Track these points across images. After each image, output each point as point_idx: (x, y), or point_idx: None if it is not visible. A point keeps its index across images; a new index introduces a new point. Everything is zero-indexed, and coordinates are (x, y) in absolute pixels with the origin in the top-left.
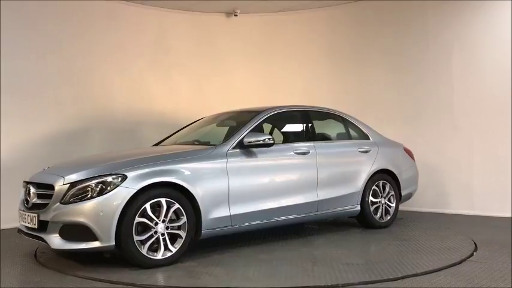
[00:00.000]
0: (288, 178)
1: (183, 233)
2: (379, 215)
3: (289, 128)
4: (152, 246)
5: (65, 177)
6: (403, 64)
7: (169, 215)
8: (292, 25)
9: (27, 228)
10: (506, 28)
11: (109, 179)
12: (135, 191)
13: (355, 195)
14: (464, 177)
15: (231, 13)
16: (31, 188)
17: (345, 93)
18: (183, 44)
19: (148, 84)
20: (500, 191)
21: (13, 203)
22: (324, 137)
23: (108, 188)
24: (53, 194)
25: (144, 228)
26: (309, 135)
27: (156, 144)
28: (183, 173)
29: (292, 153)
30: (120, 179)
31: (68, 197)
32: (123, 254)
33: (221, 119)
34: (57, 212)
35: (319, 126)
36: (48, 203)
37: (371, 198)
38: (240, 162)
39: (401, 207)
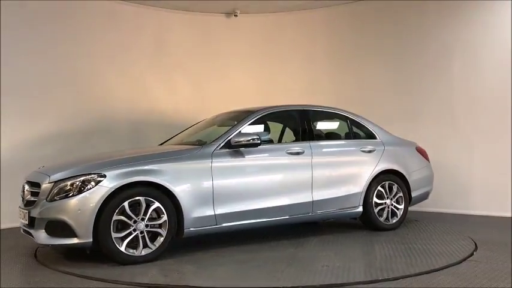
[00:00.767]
0: (278, 178)
1: (163, 232)
2: (384, 217)
3: (284, 128)
4: (132, 243)
5: (50, 176)
6: (403, 64)
7: (148, 213)
8: (292, 25)
9: (23, 224)
10: (506, 28)
11: (88, 178)
12: (112, 189)
13: (356, 196)
14: (464, 177)
15: (231, 13)
16: (26, 186)
17: (345, 93)
18: (183, 44)
19: (148, 84)
20: (500, 191)
21: (13, 203)
22: (323, 137)
23: (87, 187)
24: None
25: (124, 225)
26: (305, 135)
27: (162, 144)
28: (164, 173)
29: (284, 153)
30: (99, 178)
31: (52, 195)
32: (102, 251)
33: (226, 118)
34: (43, 208)
35: (319, 126)
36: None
37: (375, 199)
38: (227, 162)
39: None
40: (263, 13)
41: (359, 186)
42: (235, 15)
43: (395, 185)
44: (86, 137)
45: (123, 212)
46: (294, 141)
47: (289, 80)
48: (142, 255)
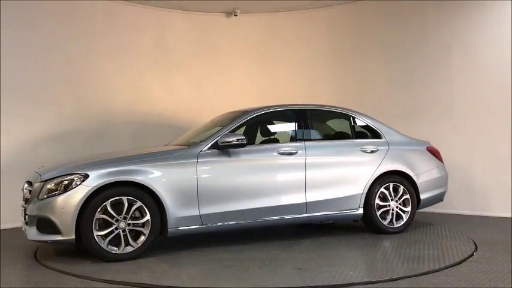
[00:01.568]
0: (268, 179)
1: (146, 230)
2: (388, 219)
3: (279, 128)
4: (114, 241)
5: (42, 176)
6: (403, 64)
7: (130, 212)
8: (292, 25)
9: (23, 222)
10: (506, 28)
11: (73, 177)
12: (93, 189)
13: (356, 197)
14: (464, 177)
15: (231, 13)
16: (25, 184)
17: (345, 93)
18: (183, 43)
19: (148, 84)
20: (500, 191)
21: (13, 203)
22: (321, 136)
23: (71, 186)
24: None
25: (107, 224)
26: (301, 135)
27: (167, 144)
28: (147, 173)
29: (275, 153)
30: (82, 177)
31: (42, 194)
32: (86, 247)
33: (228, 118)
34: (34, 206)
35: (318, 125)
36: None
37: (377, 201)
38: (213, 162)
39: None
40: (263, 13)
41: (359, 188)
42: (235, 15)
43: (401, 187)
44: (86, 136)
45: (105, 211)
46: (288, 141)
47: (289, 80)
48: (124, 253)
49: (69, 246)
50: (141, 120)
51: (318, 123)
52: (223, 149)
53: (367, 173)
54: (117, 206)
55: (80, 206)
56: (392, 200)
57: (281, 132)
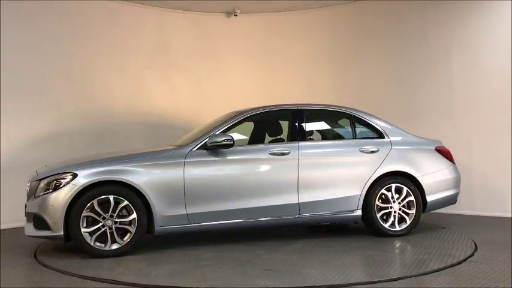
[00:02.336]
0: (258, 179)
1: (132, 229)
2: (390, 222)
3: (272, 128)
4: (101, 238)
5: (38, 174)
6: (403, 64)
7: (117, 210)
8: (292, 25)
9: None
10: (506, 28)
11: (62, 176)
12: (80, 188)
13: (353, 199)
14: (464, 177)
15: (231, 13)
16: (28, 183)
17: (345, 93)
18: (182, 43)
19: (148, 84)
20: (500, 191)
21: (13, 203)
22: (317, 137)
23: (61, 185)
24: None
25: (95, 221)
26: (296, 135)
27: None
28: (133, 172)
29: (266, 153)
30: (71, 177)
31: (37, 192)
32: (75, 243)
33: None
34: (31, 204)
35: (315, 125)
36: None
37: (378, 203)
38: (202, 162)
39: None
40: (263, 13)
41: (356, 189)
42: (235, 15)
43: (405, 188)
44: (86, 136)
45: (92, 209)
46: (281, 141)
47: (289, 80)
48: (110, 250)
49: (70, 245)
50: (141, 120)
51: (315, 123)
52: (212, 149)
53: (365, 173)
54: (105, 205)
55: (68, 203)
56: (394, 201)
57: (275, 133)
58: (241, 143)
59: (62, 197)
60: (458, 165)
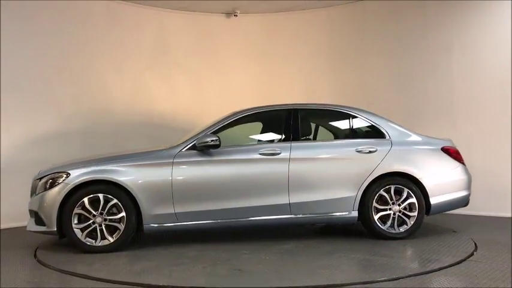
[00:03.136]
0: (247, 179)
1: (121, 226)
2: (388, 224)
3: (265, 128)
4: (92, 234)
5: (39, 173)
6: (403, 64)
7: (106, 208)
8: (292, 25)
9: None
10: (506, 28)
11: (57, 175)
12: (72, 186)
13: (348, 200)
14: None
15: (231, 13)
16: (32, 181)
17: (345, 93)
18: (183, 44)
19: (148, 84)
20: (500, 191)
21: (13, 202)
22: (311, 137)
23: (55, 183)
24: None
25: (87, 218)
26: (289, 135)
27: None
28: (123, 172)
29: (256, 154)
30: (65, 176)
31: (37, 190)
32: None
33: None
34: (31, 201)
35: (311, 125)
36: None
37: (376, 204)
38: (191, 163)
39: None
40: (263, 13)
41: (351, 190)
42: (235, 15)
43: (406, 190)
44: (86, 136)
45: (84, 207)
46: (273, 141)
47: (289, 80)
48: (100, 246)
49: (70, 245)
50: (141, 120)
51: (311, 123)
52: (202, 150)
53: (361, 174)
54: (96, 203)
55: (60, 201)
56: (393, 203)
57: (268, 133)
58: (241, 143)
59: (55, 194)
60: None
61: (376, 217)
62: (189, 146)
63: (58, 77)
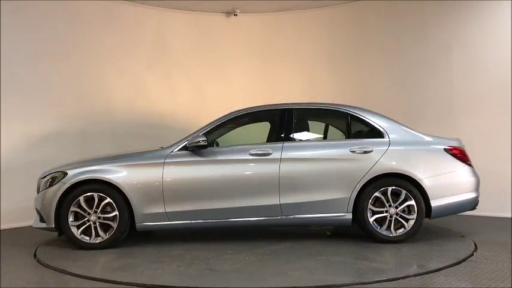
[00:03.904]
0: (237, 179)
1: (114, 224)
2: (385, 227)
3: (257, 128)
4: (87, 231)
5: (43, 172)
6: (403, 64)
7: (100, 207)
8: (292, 25)
9: None
10: (506, 28)
11: (56, 175)
12: (68, 185)
13: (342, 201)
14: None
15: (231, 13)
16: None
17: (345, 93)
18: (183, 43)
19: (148, 84)
20: (500, 191)
21: (13, 203)
22: (305, 137)
23: (54, 183)
24: None
25: (81, 216)
26: (281, 135)
27: None
28: (116, 172)
29: (247, 154)
30: (62, 175)
31: (40, 188)
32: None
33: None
34: (35, 199)
35: (305, 125)
36: None
37: (371, 206)
38: (182, 163)
39: None
40: (263, 13)
41: (345, 191)
42: (235, 15)
43: (404, 192)
44: (86, 136)
45: (79, 205)
46: (265, 142)
47: (289, 80)
48: (94, 243)
49: (69, 245)
50: (141, 120)
51: (305, 123)
52: (193, 151)
53: (355, 175)
54: (91, 201)
55: (57, 199)
56: (390, 206)
57: (260, 133)
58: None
59: (53, 193)
60: None
61: (371, 219)
62: (180, 147)
63: (58, 77)
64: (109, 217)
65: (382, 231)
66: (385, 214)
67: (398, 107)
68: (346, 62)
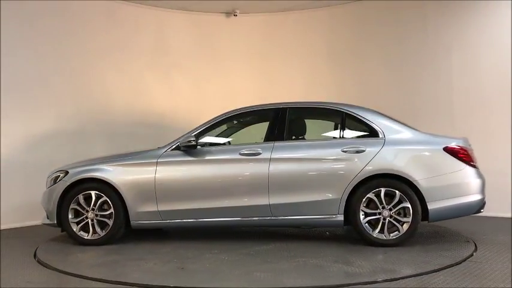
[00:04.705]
0: (227, 179)
1: (110, 222)
2: (378, 229)
3: (249, 128)
4: (85, 228)
5: (51, 171)
6: (403, 64)
7: (97, 205)
8: (292, 25)
9: None
10: (506, 28)
11: (59, 174)
12: (68, 184)
13: (333, 203)
14: None
15: (230, 13)
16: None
17: (345, 93)
18: (182, 43)
19: (147, 84)
20: (500, 191)
21: (13, 203)
22: (298, 136)
23: (57, 181)
24: None
25: (80, 213)
26: (273, 135)
27: None
28: (112, 171)
29: (237, 154)
30: (64, 174)
31: (46, 186)
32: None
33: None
34: (42, 196)
35: (298, 125)
36: None
37: (364, 208)
38: (174, 163)
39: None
40: (263, 13)
41: (336, 192)
42: (235, 15)
43: (398, 193)
44: (86, 136)
45: (78, 203)
46: (260, 141)
47: (289, 80)
48: (92, 239)
49: (69, 245)
50: (140, 120)
51: (299, 122)
52: (185, 151)
53: (346, 176)
54: (89, 199)
55: (59, 197)
56: (384, 207)
57: (252, 133)
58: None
59: (55, 191)
60: None
61: (364, 222)
62: (173, 147)
63: (58, 77)
64: (105, 215)
65: (375, 234)
66: (378, 216)
67: (398, 106)
68: (346, 62)
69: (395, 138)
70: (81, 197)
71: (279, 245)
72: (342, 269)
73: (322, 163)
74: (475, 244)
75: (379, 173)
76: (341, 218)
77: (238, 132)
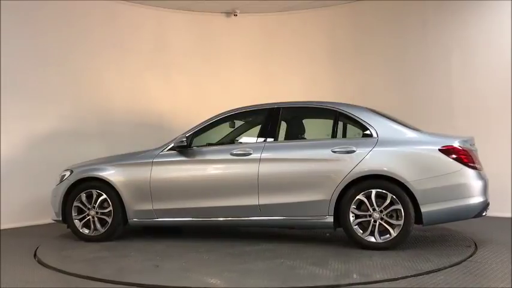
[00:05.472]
0: (218, 179)
1: (109, 219)
2: (368, 232)
3: (245, 128)
4: (87, 225)
5: (63, 170)
6: (403, 64)
7: (97, 202)
8: (292, 25)
9: None
10: (506, 28)
11: (65, 173)
12: (71, 182)
13: (322, 204)
14: None
15: (230, 13)
16: None
17: (344, 93)
18: (182, 43)
19: (147, 84)
20: (500, 191)
21: (13, 203)
22: (290, 136)
23: (63, 179)
24: None
25: (83, 211)
26: (264, 135)
27: None
28: (111, 171)
29: (228, 154)
30: (69, 173)
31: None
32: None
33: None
34: (51, 194)
35: (292, 124)
36: None
37: (354, 210)
38: (168, 163)
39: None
40: (263, 13)
41: (325, 193)
42: (235, 15)
43: (390, 195)
44: (86, 136)
45: (81, 201)
46: (252, 141)
47: (289, 79)
48: (93, 235)
49: (69, 245)
50: (140, 120)
51: (292, 122)
52: (179, 151)
53: (335, 176)
54: (91, 198)
55: (63, 195)
56: (374, 210)
57: (245, 133)
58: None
59: (60, 189)
60: None
61: (354, 224)
62: (169, 147)
63: (58, 77)
64: (105, 212)
65: (366, 236)
66: (368, 219)
67: (398, 106)
68: (346, 63)
69: (389, 138)
70: (83, 195)
71: (267, 246)
72: (313, 272)
73: (312, 163)
74: (475, 244)
75: (369, 174)
76: (331, 219)
77: (233, 132)
